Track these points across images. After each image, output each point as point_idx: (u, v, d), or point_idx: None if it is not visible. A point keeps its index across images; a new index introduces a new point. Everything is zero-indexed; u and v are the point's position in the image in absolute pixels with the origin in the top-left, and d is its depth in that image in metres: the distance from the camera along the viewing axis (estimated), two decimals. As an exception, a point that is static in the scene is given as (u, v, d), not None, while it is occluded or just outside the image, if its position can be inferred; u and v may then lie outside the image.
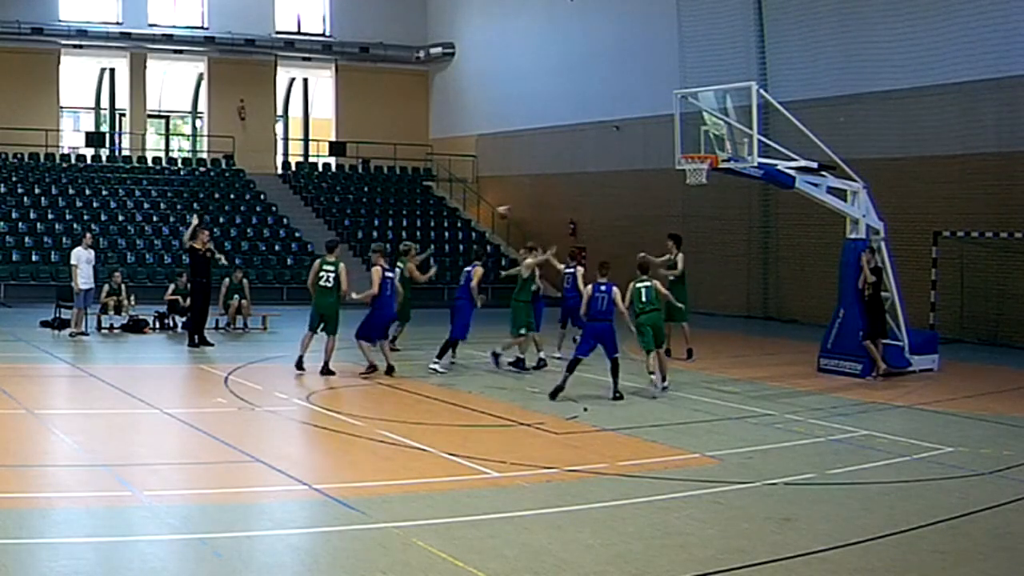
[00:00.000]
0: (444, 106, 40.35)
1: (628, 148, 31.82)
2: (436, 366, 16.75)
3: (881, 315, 17.42)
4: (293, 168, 39.02)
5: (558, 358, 17.69)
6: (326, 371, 16.04)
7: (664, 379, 15.37)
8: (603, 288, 14.85)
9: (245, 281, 23.48)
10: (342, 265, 16.21)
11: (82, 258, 20.82)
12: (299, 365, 16.21)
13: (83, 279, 20.61)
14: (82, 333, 20.71)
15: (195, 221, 20.56)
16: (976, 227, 23.02)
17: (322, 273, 16.18)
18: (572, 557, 7.67)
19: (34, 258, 29.56)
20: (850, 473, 10.55)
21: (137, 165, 36.26)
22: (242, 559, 7.54)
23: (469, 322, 17.40)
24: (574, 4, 33.61)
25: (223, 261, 21.75)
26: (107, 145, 37.46)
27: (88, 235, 22.11)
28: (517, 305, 17.27)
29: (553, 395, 14.39)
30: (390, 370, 16.21)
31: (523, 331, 17.02)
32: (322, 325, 16.27)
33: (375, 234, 35.17)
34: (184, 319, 21.86)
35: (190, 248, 20.43)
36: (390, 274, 16.48)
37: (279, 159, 39.46)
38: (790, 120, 17.69)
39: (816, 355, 18.19)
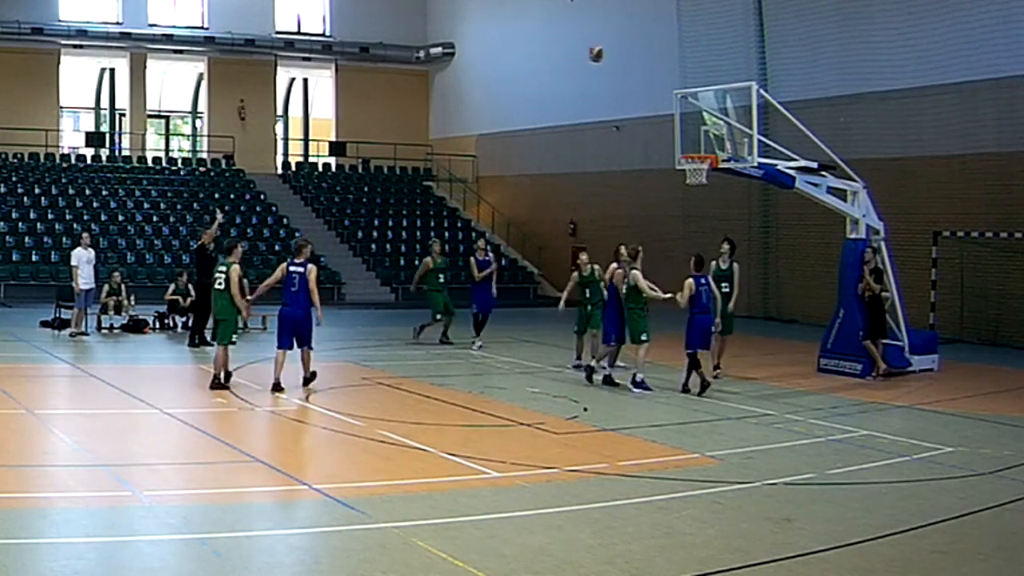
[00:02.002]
0: (444, 106, 40.35)
1: (628, 148, 31.82)
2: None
3: (881, 315, 17.42)
4: (293, 168, 39.02)
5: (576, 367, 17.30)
6: (216, 384, 14.52)
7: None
8: (703, 281, 15.45)
9: (245, 281, 23.41)
10: (235, 266, 14.77)
11: (82, 258, 20.81)
12: (217, 384, 14.55)
13: (83, 279, 20.59)
14: (82, 333, 20.71)
15: (220, 218, 20.91)
16: (976, 227, 23.01)
17: (216, 275, 14.93)
18: (572, 557, 7.67)
19: (34, 258, 29.55)
20: (850, 473, 10.55)
21: (137, 165, 36.25)
22: (242, 559, 7.54)
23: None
24: (574, 4, 33.60)
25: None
26: (107, 145, 37.45)
27: (86, 235, 22.04)
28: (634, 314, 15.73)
29: (701, 391, 15.13)
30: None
31: (645, 337, 15.47)
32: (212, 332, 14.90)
33: (375, 234, 35.26)
34: (184, 319, 21.90)
35: (200, 247, 20.42)
36: (298, 269, 14.65)
37: (279, 159, 39.46)
38: (790, 120, 17.70)
39: (816, 355, 18.19)
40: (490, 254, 21.29)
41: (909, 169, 23.95)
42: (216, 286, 14.90)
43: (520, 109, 35.84)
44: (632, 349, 15.78)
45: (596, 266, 17.30)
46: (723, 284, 16.88)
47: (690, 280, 15.36)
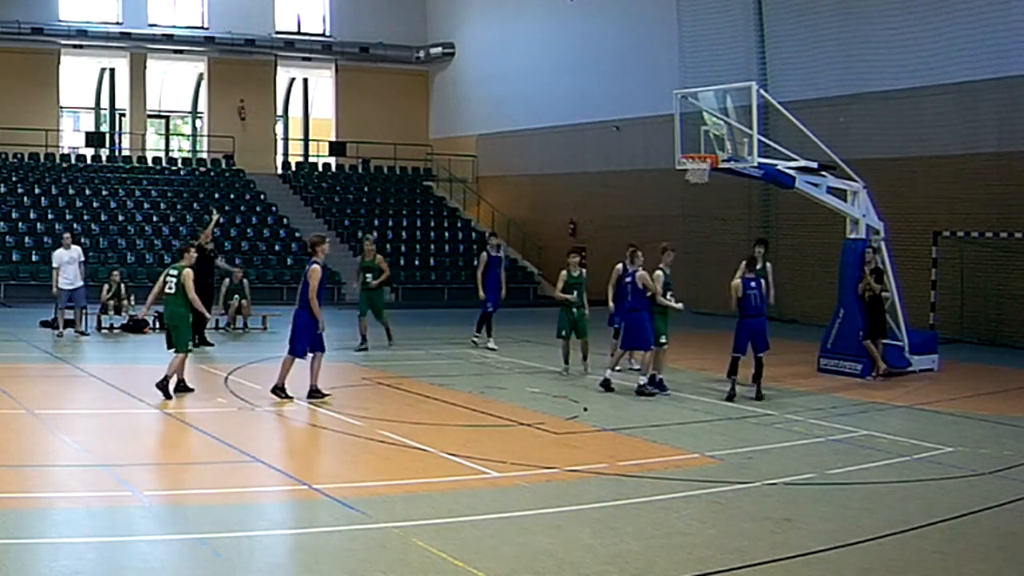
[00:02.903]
0: (444, 106, 40.36)
1: (628, 148, 31.82)
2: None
3: (881, 315, 17.42)
4: (293, 168, 39.03)
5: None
6: (180, 387, 13.89)
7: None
8: (753, 284, 15.11)
9: (245, 281, 23.50)
10: (187, 270, 13.91)
11: (63, 259, 20.78)
12: (162, 387, 13.70)
13: (65, 280, 20.56)
14: (82, 333, 20.71)
15: (216, 218, 20.84)
16: (976, 227, 23.02)
17: (167, 279, 14.01)
18: (572, 557, 7.67)
19: (34, 258, 29.54)
20: (850, 473, 10.55)
21: (137, 165, 36.26)
22: (242, 559, 7.54)
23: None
24: (574, 4, 33.62)
25: (222, 264, 22.02)
26: (107, 145, 37.46)
27: (67, 235, 21.92)
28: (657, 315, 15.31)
29: (730, 398, 14.76)
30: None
31: (664, 340, 15.25)
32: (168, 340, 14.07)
33: (375, 234, 35.17)
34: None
35: (198, 247, 20.41)
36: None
37: (279, 159, 39.47)
38: (790, 120, 17.70)
39: (816, 355, 18.19)
40: (501, 250, 21.20)
41: (909, 169, 23.95)
42: (167, 290, 13.99)
43: (520, 109, 35.84)
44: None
45: (584, 269, 17.06)
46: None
47: (737, 282, 15.10)
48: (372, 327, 19.80)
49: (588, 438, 12.19)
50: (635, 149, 31.34)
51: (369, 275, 19.78)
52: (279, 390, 13.84)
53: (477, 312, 20.49)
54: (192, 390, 14.12)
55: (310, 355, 13.94)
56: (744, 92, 17.27)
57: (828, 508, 9.28)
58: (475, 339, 20.25)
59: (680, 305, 15.16)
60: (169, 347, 14.02)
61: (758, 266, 15.97)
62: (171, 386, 13.73)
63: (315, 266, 13.74)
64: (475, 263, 20.80)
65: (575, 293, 16.72)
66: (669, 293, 15.25)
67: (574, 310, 16.72)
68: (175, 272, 14.03)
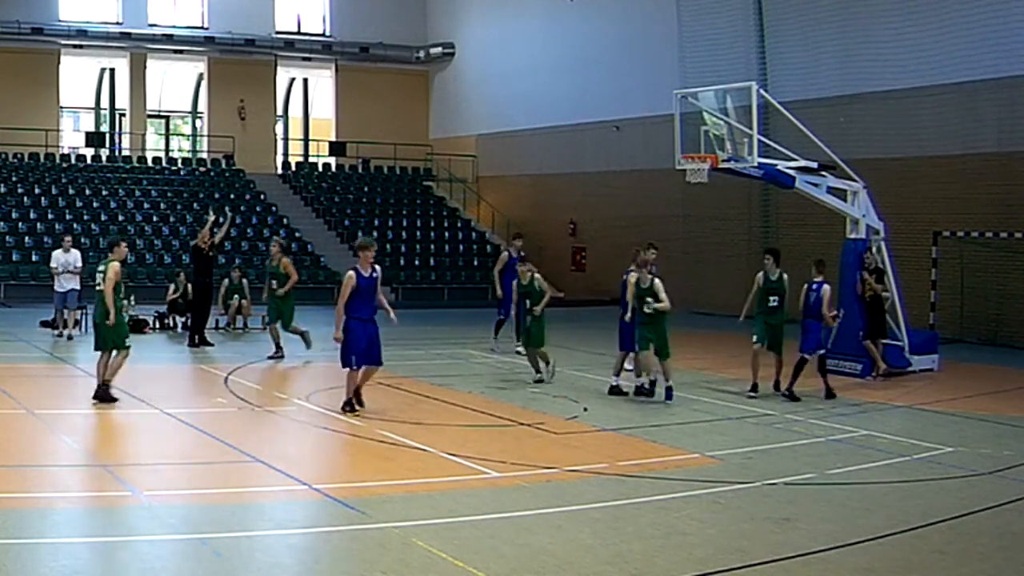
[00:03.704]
0: (444, 106, 40.36)
1: (628, 148, 31.83)
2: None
3: (881, 315, 17.43)
4: (293, 168, 39.04)
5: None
6: (102, 395, 13.21)
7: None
8: (814, 287, 15.53)
9: (245, 281, 23.50)
10: (112, 264, 13.20)
11: (59, 260, 20.86)
12: (103, 395, 13.30)
13: (58, 282, 20.61)
14: (68, 337, 20.55)
15: (213, 218, 20.84)
16: (976, 227, 23.03)
17: (96, 275, 13.47)
18: (572, 557, 7.67)
19: (34, 258, 29.52)
20: (850, 473, 10.55)
21: (137, 165, 36.27)
22: (242, 559, 7.54)
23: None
24: (574, 4, 33.62)
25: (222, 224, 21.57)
26: (107, 145, 37.48)
27: (67, 238, 21.98)
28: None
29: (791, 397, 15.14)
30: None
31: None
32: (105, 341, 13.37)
33: (375, 234, 35.22)
34: (184, 319, 21.91)
35: (194, 247, 20.55)
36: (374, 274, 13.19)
37: (279, 159, 39.49)
38: (790, 120, 17.70)
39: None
40: (522, 252, 20.86)
41: (909, 169, 23.95)
42: (97, 287, 13.40)
43: (520, 109, 35.85)
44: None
45: (538, 275, 16.81)
46: (771, 298, 16.19)
47: (804, 285, 15.69)
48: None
49: (588, 438, 12.19)
50: (635, 149, 31.34)
51: (275, 281, 18.35)
52: (347, 405, 13.10)
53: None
54: (115, 399, 13.26)
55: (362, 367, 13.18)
56: (744, 92, 17.28)
57: (828, 508, 9.29)
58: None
59: (649, 309, 14.67)
60: (96, 348, 13.42)
61: (773, 277, 15.67)
62: (108, 390, 13.21)
63: (349, 272, 13.25)
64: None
65: (527, 302, 16.45)
66: (650, 298, 14.63)
67: (527, 318, 16.44)
68: (102, 268, 13.37)
